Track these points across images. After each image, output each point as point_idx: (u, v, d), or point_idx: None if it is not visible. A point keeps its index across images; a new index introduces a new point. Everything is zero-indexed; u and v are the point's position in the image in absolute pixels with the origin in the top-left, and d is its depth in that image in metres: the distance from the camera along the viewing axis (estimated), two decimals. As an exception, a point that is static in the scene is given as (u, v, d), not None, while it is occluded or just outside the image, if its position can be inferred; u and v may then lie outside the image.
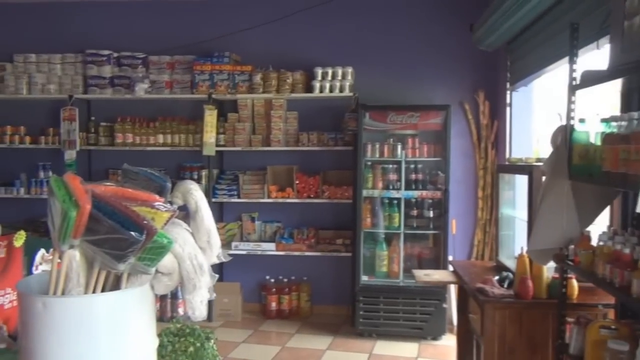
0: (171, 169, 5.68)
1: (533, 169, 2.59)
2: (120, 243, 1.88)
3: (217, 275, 2.31)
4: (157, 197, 2.12)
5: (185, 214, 2.38)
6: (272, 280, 5.46)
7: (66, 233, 1.87)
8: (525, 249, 2.53)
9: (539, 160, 2.86)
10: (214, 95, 5.31)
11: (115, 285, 2.09)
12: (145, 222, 1.89)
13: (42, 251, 3.04)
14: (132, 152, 5.63)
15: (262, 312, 5.50)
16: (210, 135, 5.19)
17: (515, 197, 3.10)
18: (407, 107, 4.81)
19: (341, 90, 5.16)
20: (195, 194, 2.38)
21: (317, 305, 5.54)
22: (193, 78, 5.40)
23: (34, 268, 2.98)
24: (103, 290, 2.01)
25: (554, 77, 4.05)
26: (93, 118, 5.77)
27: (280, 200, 5.30)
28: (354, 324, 4.92)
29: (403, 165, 4.81)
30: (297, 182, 5.27)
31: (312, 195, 5.27)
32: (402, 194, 4.81)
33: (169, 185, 2.33)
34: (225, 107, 5.56)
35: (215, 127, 5.25)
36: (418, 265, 4.83)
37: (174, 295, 5.10)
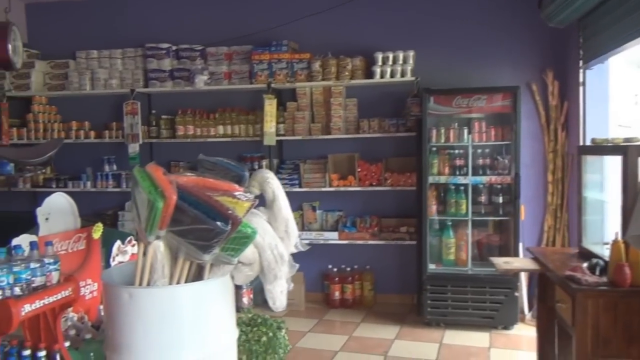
0: (231, 159, 5.72)
1: (628, 149, 2.42)
2: (205, 233, 1.88)
3: (297, 265, 2.29)
4: (237, 186, 2.11)
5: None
6: (335, 269, 5.43)
7: (153, 224, 1.87)
8: (620, 234, 2.38)
9: (628, 140, 2.68)
10: (273, 85, 5.30)
11: (198, 276, 2.09)
12: (229, 211, 1.88)
13: (118, 242, 3.11)
14: (192, 144, 5.70)
15: (325, 301, 5.49)
16: (270, 125, 5.19)
17: (604, 180, 2.93)
18: (474, 90, 4.64)
19: (402, 75, 5.05)
20: (272, 182, 2.36)
21: (381, 294, 5.48)
22: (251, 68, 5.40)
23: (111, 259, 3.05)
24: (186, 281, 2.02)
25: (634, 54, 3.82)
26: (154, 111, 5.87)
27: (342, 188, 5.25)
28: (420, 313, 4.83)
29: (470, 150, 4.66)
30: (359, 169, 5.21)
31: (374, 183, 5.19)
32: (470, 179, 4.66)
33: (247, 174, 2.32)
34: (284, 96, 5.54)
35: (275, 116, 5.24)
36: (488, 253, 4.69)
37: (238, 285, 5.13)
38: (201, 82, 5.35)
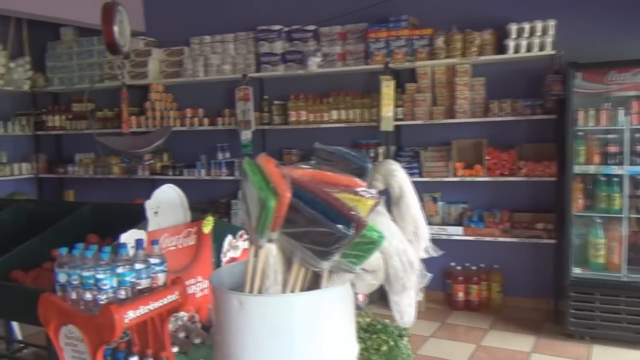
0: (345, 146, 5.49)
1: None
2: (324, 237, 1.63)
3: (429, 275, 1.98)
4: (359, 181, 1.84)
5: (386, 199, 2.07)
6: (459, 267, 5.03)
7: (264, 225, 1.66)
8: None
9: None
10: (390, 65, 4.97)
11: (313, 283, 1.86)
12: (352, 213, 1.61)
13: (229, 237, 2.98)
14: (305, 131, 5.55)
15: (447, 302, 5.11)
16: (387, 109, 4.88)
17: None
18: (633, 63, 3.99)
19: (541, 49, 4.49)
20: (399, 176, 2.07)
21: (511, 298, 5.00)
22: (367, 47, 5.11)
23: (222, 255, 2.93)
24: (301, 289, 1.80)
25: None
26: (266, 97, 5.79)
27: (468, 178, 4.82)
28: (560, 322, 4.32)
29: (627, 135, 4.03)
30: (488, 157, 4.74)
31: (505, 173, 4.70)
32: (626, 169, 4.03)
33: (370, 166, 2.04)
34: (402, 77, 5.19)
35: (393, 99, 4.91)
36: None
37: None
38: (314, 64, 5.16)
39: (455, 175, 4.85)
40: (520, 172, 4.63)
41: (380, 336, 2.99)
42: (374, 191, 1.83)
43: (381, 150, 5.12)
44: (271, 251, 1.75)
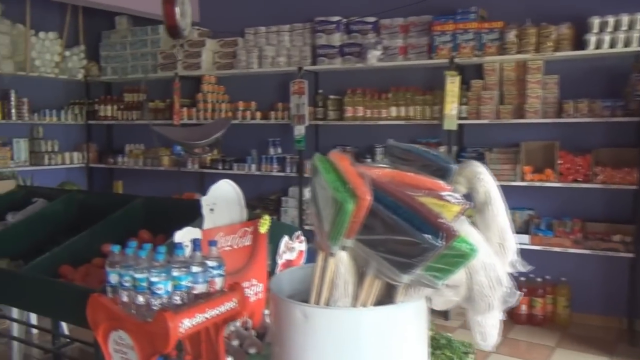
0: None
1: None
2: (406, 247, 1.44)
3: (519, 293, 1.76)
4: (444, 184, 1.64)
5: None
6: (522, 278, 4.74)
7: (339, 231, 1.48)
8: None
9: None
10: (456, 60, 4.72)
11: (385, 296, 1.68)
12: (442, 221, 1.42)
13: (285, 238, 2.83)
14: (361, 127, 5.38)
15: (508, 314, 4.80)
16: (451, 107, 4.63)
17: None
18: None
19: (626, 45, 4.16)
20: (485, 179, 1.87)
21: (578, 314, 4.68)
22: (431, 41, 4.88)
23: (277, 257, 2.78)
24: (374, 303, 1.62)
25: None
26: (321, 91, 5.63)
27: (537, 183, 4.53)
28: (636, 344, 3.99)
29: None
30: (560, 161, 4.44)
31: (579, 179, 4.39)
32: None
33: (454, 167, 1.84)
34: (467, 73, 4.93)
35: (458, 96, 4.66)
36: None
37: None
38: (374, 58, 4.96)
39: (522, 180, 4.57)
40: (596, 179, 4.31)
41: (444, 352, 2.78)
42: (459, 196, 1.64)
43: (442, 150, 4.88)
44: (342, 260, 1.58)
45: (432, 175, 1.71)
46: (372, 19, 5.24)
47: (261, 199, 6.02)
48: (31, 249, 2.69)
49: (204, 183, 6.55)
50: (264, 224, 2.68)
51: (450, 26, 4.75)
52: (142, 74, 6.52)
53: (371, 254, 1.53)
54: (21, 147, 6.38)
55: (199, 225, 2.32)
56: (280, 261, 2.81)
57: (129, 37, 6.61)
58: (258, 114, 5.83)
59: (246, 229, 2.56)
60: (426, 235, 1.39)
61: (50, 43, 6.42)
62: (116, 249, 1.79)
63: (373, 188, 1.47)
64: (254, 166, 5.82)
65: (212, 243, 2.05)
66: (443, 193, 1.59)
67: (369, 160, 5.18)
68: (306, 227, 5.33)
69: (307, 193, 5.63)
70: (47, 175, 6.25)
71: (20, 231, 2.64)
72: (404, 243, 1.44)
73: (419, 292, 1.66)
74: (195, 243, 1.81)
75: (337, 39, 5.34)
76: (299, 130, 5.37)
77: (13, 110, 6.17)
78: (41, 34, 6.34)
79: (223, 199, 2.45)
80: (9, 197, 3.14)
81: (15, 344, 3.79)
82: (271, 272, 2.62)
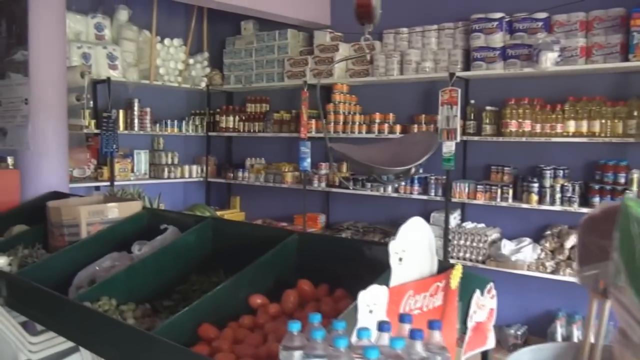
0: (577, 167, 4.47)
1: None
2: None
3: None
4: None
5: None
6: None
7: None
8: None
9: None
10: (663, 61, 3.85)
11: None
12: None
13: (477, 294, 2.17)
14: (523, 144, 4.63)
15: None
16: (657, 121, 3.75)
17: None
18: None
19: None
20: None
21: None
22: (626, 39, 4.03)
23: (468, 319, 2.13)
24: None
25: None
26: (472, 101, 4.92)
27: None
28: None
29: None
30: None
31: None
32: None
33: None
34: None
35: (665, 108, 3.78)
36: None
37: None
38: (549, 61, 4.18)
39: None
40: None
41: None
42: None
43: (635, 176, 3.99)
44: None
45: None
46: (542, 15, 4.48)
47: (394, 225, 5.40)
48: (158, 290, 2.25)
49: (328, 203, 6.05)
50: (456, 276, 2.05)
51: (655, 20, 3.89)
52: (266, 83, 6.16)
53: None
54: (141, 159, 6.22)
55: (385, 281, 1.73)
56: (470, 324, 2.16)
57: (255, 43, 6.28)
58: (397, 127, 5.22)
59: (438, 283, 1.94)
60: None
61: (174, 50, 6.24)
62: (295, 327, 1.23)
63: None
64: (390, 187, 5.21)
65: (406, 318, 1.46)
66: None
67: (535, 184, 4.40)
68: (451, 261, 4.64)
69: (453, 220, 4.93)
70: (166, 189, 6.02)
71: (148, 268, 2.20)
72: None
73: None
74: (383, 326, 1.23)
75: (498, 39, 4.61)
76: (449, 147, 4.68)
77: (136, 121, 6.02)
78: (166, 41, 6.17)
79: (413, 242, 1.85)
80: (134, 222, 2.75)
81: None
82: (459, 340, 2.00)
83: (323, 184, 5.67)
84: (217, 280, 2.28)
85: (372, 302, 1.60)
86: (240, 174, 6.39)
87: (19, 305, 2.33)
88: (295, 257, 2.12)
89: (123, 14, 5.87)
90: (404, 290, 1.76)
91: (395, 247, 1.74)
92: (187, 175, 6.52)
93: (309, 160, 5.59)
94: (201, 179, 6.73)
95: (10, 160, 5.34)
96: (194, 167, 6.63)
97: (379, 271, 1.69)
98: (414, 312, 1.80)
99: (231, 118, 6.50)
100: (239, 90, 6.66)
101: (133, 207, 2.77)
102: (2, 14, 3.68)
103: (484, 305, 2.26)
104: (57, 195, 3.39)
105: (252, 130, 6.35)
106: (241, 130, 6.45)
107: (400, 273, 1.75)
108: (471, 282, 2.20)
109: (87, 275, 2.40)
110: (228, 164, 6.79)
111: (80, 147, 4.80)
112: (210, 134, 6.70)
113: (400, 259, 1.76)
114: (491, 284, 2.25)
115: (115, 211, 2.71)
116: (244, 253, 2.30)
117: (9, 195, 3.47)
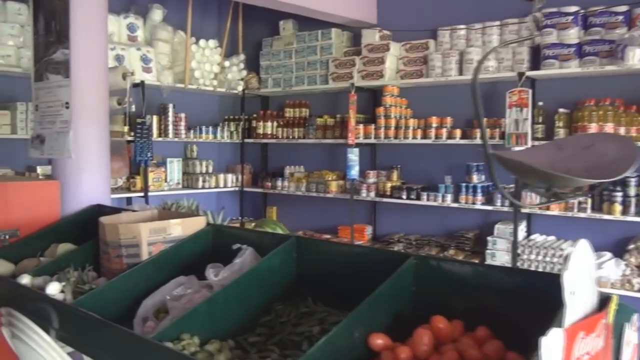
0: (664, 175, 4.10)
1: None
2: None
3: None
4: None
5: None
6: None
7: None
8: None
9: None
10: None
11: None
12: None
13: (626, 328, 1.84)
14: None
15: None
16: None
17: None
18: None
19: None
20: None
21: None
22: None
23: (620, 358, 1.80)
24: None
25: None
26: (540, 103, 4.59)
27: None
28: None
29: None
30: None
31: None
32: None
33: None
34: None
35: None
36: None
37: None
38: (637, 57, 3.84)
39: None
40: None
41: None
42: None
43: None
44: None
45: None
46: (622, 8, 4.14)
47: (452, 237, 5.07)
48: (240, 323, 1.94)
49: (375, 214, 5.73)
50: (612, 309, 1.72)
51: None
52: (307, 86, 5.87)
53: None
54: (174, 167, 5.95)
55: (559, 323, 1.41)
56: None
57: (295, 44, 5.99)
58: (457, 132, 4.89)
59: (603, 320, 1.61)
60: None
61: (210, 52, 5.96)
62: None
63: None
64: (449, 196, 4.87)
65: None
66: None
67: (618, 192, 4.05)
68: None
69: (520, 233, 4.59)
70: (200, 199, 5.71)
71: (231, 299, 1.89)
72: None
73: None
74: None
75: (573, 35, 4.28)
76: (518, 153, 4.34)
77: (170, 127, 5.75)
78: (201, 42, 5.90)
79: (581, 271, 1.53)
80: (199, 240, 2.44)
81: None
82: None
83: (372, 194, 5.34)
84: (307, 310, 1.99)
85: (553, 350, 1.29)
86: (279, 183, 6.08)
87: (74, 340, 2.02)
88: (413, 285, 1.80)
89: (157, 14, 5.60)
90: (575, 332, 1.44)
91: (570, 279, 1.41)
92: (221, 184, 6.23)
93: (357, 168, 5.28)
94: (236, 189, 6.44)
95: (40, 169, 5.09)
96: (229, 176, 6.34)
97: (514, 303, 1.39)
98: (584, 358, 1.47)
99: (269, 124, 6.20)
100: (275, 94, 6.37)
101: (197, 224, 2.46)
102: (40, 10, 3.41)
103: (630, 341, 1.93)
104: (102, 209, 3.10)
105: (291, 137, 6.05)
106: (280, 137, 6.15)
107: (573, 311, 1.43)
108: (619, 314, 1.86)
109: (154, 304, 2.10)
110: (264, 173, 6.50)
111: (120, 154, 4.51)
112: (246, 140, 6.41)
113: (572, 293, 1.44)
114: (636, 315, 1.92)
115: (178, 228, 2.40)
116: (332, 275, 2.02)
117: (49, 209, 3.17)
